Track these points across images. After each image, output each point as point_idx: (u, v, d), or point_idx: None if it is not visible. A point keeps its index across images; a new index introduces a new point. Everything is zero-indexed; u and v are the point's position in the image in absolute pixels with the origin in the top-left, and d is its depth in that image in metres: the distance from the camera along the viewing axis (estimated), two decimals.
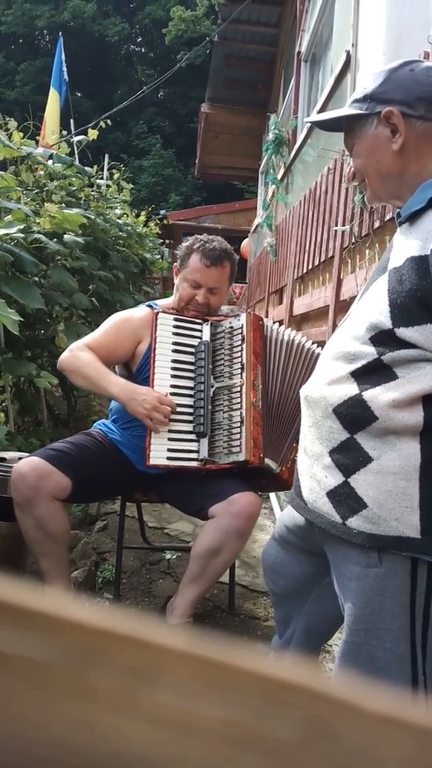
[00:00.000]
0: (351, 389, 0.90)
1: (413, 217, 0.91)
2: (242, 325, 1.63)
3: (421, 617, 0.88)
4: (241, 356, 1.60)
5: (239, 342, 1.62)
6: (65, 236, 2.88)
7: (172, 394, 1.63)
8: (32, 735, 0.15)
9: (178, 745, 0.15)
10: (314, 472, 0.96)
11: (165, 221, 8.42)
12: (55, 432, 3.11)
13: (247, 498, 1.52)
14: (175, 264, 1.81)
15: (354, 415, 0.89)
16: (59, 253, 2.91)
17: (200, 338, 1.69)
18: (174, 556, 2.27)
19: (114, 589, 1.97)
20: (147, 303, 1.89)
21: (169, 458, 1.58)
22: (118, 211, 4.82)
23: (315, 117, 1.09)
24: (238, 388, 1.58)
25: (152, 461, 1.57)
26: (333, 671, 0.98)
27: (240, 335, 1.63)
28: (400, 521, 0.86)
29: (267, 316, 4.56)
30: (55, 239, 2.76)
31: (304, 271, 3.18)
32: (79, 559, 2.18)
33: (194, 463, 1.58)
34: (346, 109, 0.99)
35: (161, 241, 7.98)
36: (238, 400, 1.57)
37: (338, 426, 0.92)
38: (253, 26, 5.83)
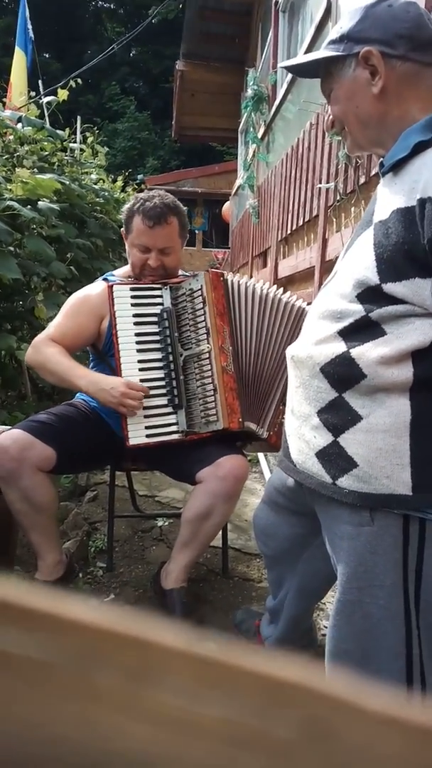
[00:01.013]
0: (338, 347, 0.88)
1: (397, 167, 0.87)
2: (201, 285, 1.54)
3: (413, 573, 0.88)
4: (204, 320, 1.53)
5: (200, 304, 1.55)
6: (39, 203, 2.78)
7: (141, 369, 1.58)
8: (33, 734, 0.15)
9: (178, 745, 0.15)
10: (302, 432, 0.95)
11: (143, 186, 8.21)
12: (40, 405, 3.08)
13: (234, 461, 1.51)
14: (122, 229, 1.70)
15: (342, 374, 0.87)
16: (34, 221, 2.81)
17: (161, 305, 1.61)
18: (166, 523, 2.27)
19: (107, 558, 1.97)
20: (104, 276, 1.80)
21: (148, 435, 1.55)
22: (93, 176, 4.67)
23: (289, 61, 1.03)
24: (207, 355, 1.52)
25: (132, 441, 1.55)
26: (327, 631, 0.98)
27: (200, 297, 1.55)
28: (391, 479, 0.85)
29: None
30: (29, 206, 2.66)
31: (288, 232, 3.12)
32: (71, 530, 2.18)
33: (175, 436, 1.56)
34: (322, 52, 0.94)
35: None
36: (209, 367, 1.52)
37: (326, 385, 0.90)
38: None
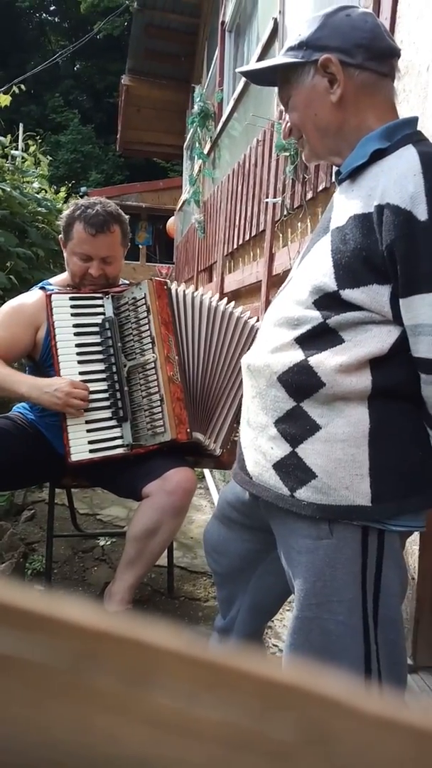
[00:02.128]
0: (296, 355, 0.86)
1: (354, 174, 0.87)
2: (145, 294, 1.50)
3: (372, 586, 0.86)
4: (149, 329, 1.49)
5: (144, 313, 1.50)
6: None
7: (83, 381, 1.51)
8: (29, 737, 0.15)
9: (175, 748, 0.15)
10: (259, 444, 0.91)
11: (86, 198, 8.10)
12: None
13: (182, 474, 1.46)
14: (59, 236, 1.64)
15: (300, 382, 0.85)
16: None
17: (103, 314, 1.56)
18: (108, 542, 2.18)
19: (45, 580, 1.86)
20: (40, 284, 1.73)
21: (92, 450, 1.49)
22: (36, 186, 4.56)
23: (247, 67, 1.01)
24: (152, 365, 1.48)
25: (74, 458, 1.48)
26: (283, 650, 0.94)
27: (144, 305, 1.50)
28: (350, 489, 0.83)
29: None
30: None
31: (235, 246, 3.13)
32: (6, 551, 2.05)
33: (120, 450, 1.50)
34: (281, 58, 0.93)
35: None
36: (154, 377, 1.48)
37: (283, 394, 0.87)
38: None
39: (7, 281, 2.97)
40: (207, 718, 0.15)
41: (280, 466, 0.88)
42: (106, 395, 1.52)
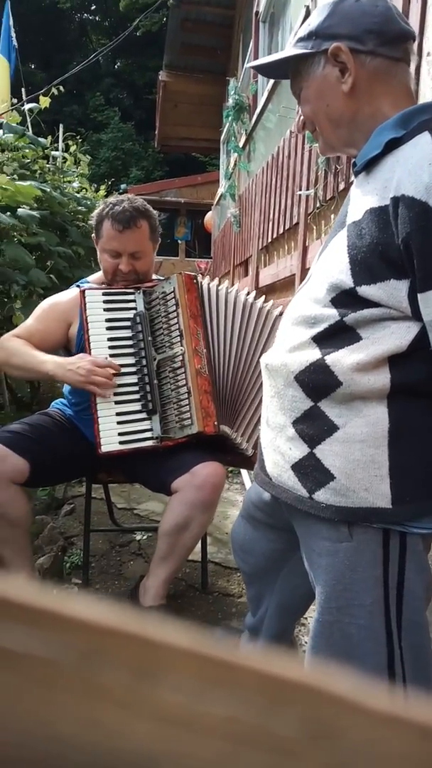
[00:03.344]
0: (313, 354, 0.84)
1: (369, 165, 0.84)
2: (174, 288, 1.52)
3: (395, 590, 0.84)
4: (178, 322, 1.51)
5: (174, 307, 1.52)
6: (19, 210, 2.73)
7: (114, 374, 1.53)
8: (37, 732, 0.15)
9: (182, 743, 0.16)
10: (278, 444, 0.91)
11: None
12: (18, 415, 3.00)
13: (210, 468, 1.46)
14: (92, 235, 1.67)
15: (317, 382, 0.83)
16: (14, 227, 2.76)
17: (135, 309, 1.59)
18: (144, 537, 2.21)
19: (83, 574, 1.91)
20: (77, 282, 1.78)
21: (121, 442, 1.51)
22: (76, 185, 4.64)
23: (257, 61, 1.00)
24: (180, 358, 1.49)
25: (104, 449, 1.50)
26: (306, 653, 0.93)
27: (173, 299, 1.52)
28: (369, 491, 0.81)
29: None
30: (8, 213, 2.62)
31: (269, 240, 3.10)
32: (46, 544, 2.11)
33: (149, 443, 1.51)
34: (290, 50, 0.91)
35: None
36: (182, 370, 1.49)
37: (301, 394, 0.86)
38: None
39: (48, 280, 3.05)
40: (213, 714, 0.16)
41: (298, 468, 0.87)
42: (136, 388, 1.54)
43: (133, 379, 1.55)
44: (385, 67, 0.85)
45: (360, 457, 0.82)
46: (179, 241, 11.56)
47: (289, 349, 0.88)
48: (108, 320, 1.57)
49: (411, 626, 0.85)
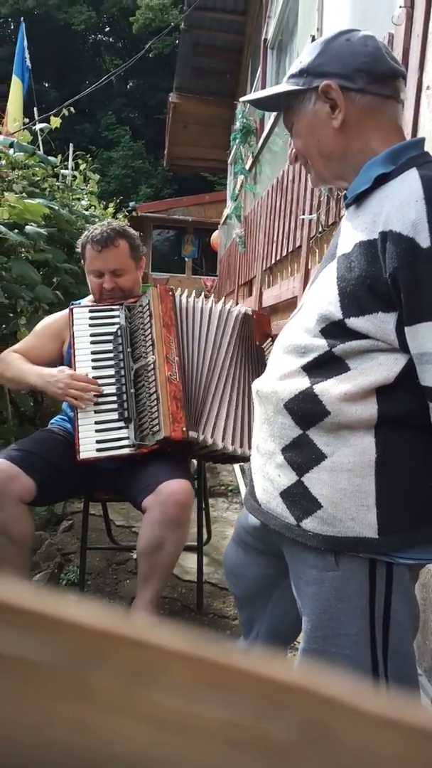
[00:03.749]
0: (302, 383, 0.85)
1: (359, 199, 0.86)
2: (149, 300, 1.61)
3: (381, 620, 0.84)
4: (151, 332, 1.58)
5: (148, 317, 1.61)
6: (27, 227, 2.78)
7: (93, 387, 1.61)
8: (30, 736, 0.15)
9: (177, 747, 0.15)
10: (267, 471, 0.91)
11: (134, 213, 8.30)
12: (21, 429, 3.02)
13: (174, 485, 1.49)
14: (81, 261, 1.79)
15: (305, 410, 0.84)
16: (21, 244, 2.80)
17: (118, 323, 1.68)
18: None
19: (78, 591, 1.90)
20: (72, 303, 1.89)
21: (99, 449, 1.56)
22: (84, 203, 4.70)
23: (251, 96, 1.03)
24: (152, 365, 1.56)
25: (82, 455, 1.55)
26: None
27: (148, 310, 1.61)
28: (356, 521, 0.82)
29: None
30: (16, 230, 2.66)
31: (273, 262, 3.14)
32: (43, 561, 2.11)
33: (126, 450, 1.56)
34: (282, 86, 0.93)
35: None
36: (153, 377, 1.55)
37: (290, 422, 0.87)
38: (220, 14, 5.73)
39: (53, 296, 3.08)
40: (209, 717, 0.15)
41: (286, 495, 0.88)
42: (114, 398, 1.61)
43: (112, 389, 1.62)
44: (374, 104, 0.87)
45: (347, 486, 0.82)
46: (186, 259, 11.67)
47: (279, 377, 0.90)
48: (92, 335, 1.67)
49: (397, 657, 0.85)
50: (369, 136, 0.88)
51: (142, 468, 1.59)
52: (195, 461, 1.96)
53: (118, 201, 6.56)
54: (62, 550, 2.24)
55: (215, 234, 8.32)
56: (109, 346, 1.66)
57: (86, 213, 4.36)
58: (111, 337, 1.66)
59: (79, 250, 1.75)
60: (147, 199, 15.31)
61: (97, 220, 4.62)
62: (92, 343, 1.66)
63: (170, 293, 1.63)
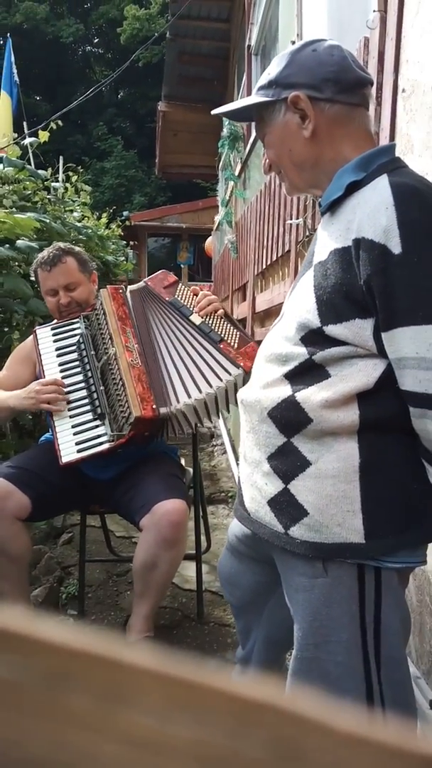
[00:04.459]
0: (284, 391, 0.86)
1: (333, 207, 0.87)
2: (101, 301, 1.69)
3: (372, 625, 0.84)
4: (107, 328, 1.64)
5: (103, 316, 1.67)
6: (18, 242, 2.79)
7: (68, 392, 1.67)
8: (4, 756, 0.15)
9: (150, 765, 0.15)
10: (254, 479, 0.92)
11: (128, 222, 8.31)
12: (20, 443, 3.02)
13: (169, 505, 1.50)
14: (38, 287, 1.87)
15: (289, 418, 0.85)
16: (13, 259, 2.81)
17: (80, 333, 1.74)
18: None
19: (78, 604, 1.90)
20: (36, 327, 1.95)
21: (79, 450, 1.58)
22: (76, 214, 4.71)
23: (222, 108, 1.04)
24: (114, 356, 1.60)
25: (64, 459, 1.57)
26: (286, 687, 0.93)
27: (102, 310, 1.68)
28: (342, 527, 0.82)
29: (232, 314, 4.50)
30: (7, 245, 2.67)
31: (264, 266, 3.14)
32: (43, 575, 2.11)
33: (106, 445, 1.57)
34: (252, 97, 0.94)
35: (125, 243, 7.87)
36: (117, 367, 1.59)
37: (274, 430, 0.87)
38: (204, 22, 5.76)
39: (46, 309, 3.09)
40: (181, 736, 0.16)
41: (274, 503, 0.88)
42: (86, 400, 1.66)
43: (83, 392, 1.67)
44: (344, 112, 0.88)
45: (332, 492, 0.82)
46: (182, 266, 11.69)
47: (262, 386, 0.90)
48: (57, 349, 1.74)
49: (389, 662, 0.85)
50: (340, 144, 0.89)
51: (137, 485, 1.60)
52: (191, 470, 1.96)
53: (111, 211, 6.58)
54: (62, 563, 2.24)
55: (209, 240, 8.34)
56: (74, 356, 1.73)
57: (79, 225, 4.38)
58: (75, 347, 1.73)
59: (33, 279, 1.84)
60: (141, 208, 15.35)
61: (90, 231, 4.64)
62: (58, 356, 1.74)
63: (120, 290, 1.71)
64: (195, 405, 1.54)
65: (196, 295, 1.66)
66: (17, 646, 0.16)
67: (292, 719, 0.16)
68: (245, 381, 1.51)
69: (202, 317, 1.60)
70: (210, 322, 1.61)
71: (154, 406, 1.52)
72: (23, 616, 0.16)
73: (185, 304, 1.64)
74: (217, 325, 1.61)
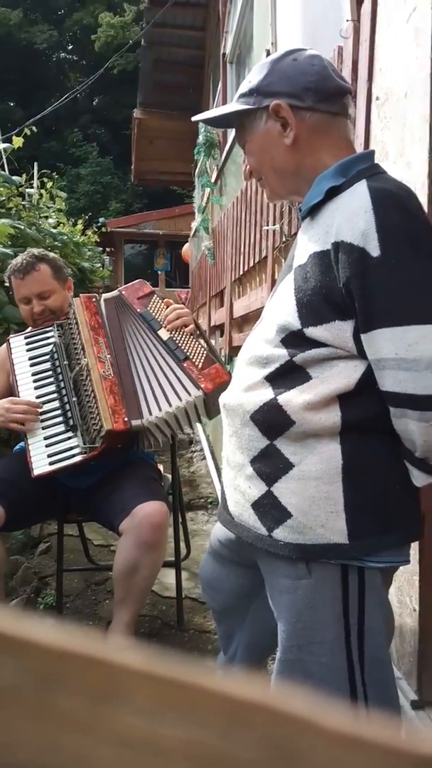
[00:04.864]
0: (266, 394, 0.86)
1: (313, 211, 0.88)
2: (74, 310, 1.67)
3: (356, 626, 0.84)
4: (80, 338, 1.62)
5: (75, 326, 1.65)
6: None
7: (41, 403, 1.65)
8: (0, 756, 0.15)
9: (143, 766, 0.15)
10: (238, 483, 0.92)
11: (104, 229, 8.28)
12: None
13: (149, 508, 1.49)
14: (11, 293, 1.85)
15: (271, 421, 0.85)
16: None
17: (53, 342, 1.72)
18: None
19: (56, 614, 1.87)
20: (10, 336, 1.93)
21: (51, 463, 1.56)
22: (51, 221, 4.68)
23: (203, 115, 1.04)
24: (86, 368, 1.59)
25: (36, 472, 1.55)
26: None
27: (75, 320, 1.66)
28: (326, 528, 0.82)
29: (210, 321, 4.51)
30: None
31: (241, 272, 3.16)
32: (20, 586, 2.07)
33: (78, 458, 1.55)
34: (234, 105, 0.95)
35: (101, 249, 7.84)
36: (89, 378, 1.58)
37: (257, 433, 0.87)
38: (179, 30, 5.80)
39: (20, 316, 3.05)
40: (173, 737, 0.15)
41: (257, 506, 0.88)
42: (59, 411, 1.64)
43: (56, 404, 1.65)
44: (324, 121, 0.89)
45: (315, 493, 0.83)
46: (159, 272, 11.68)
47: (244, 389, 0.90)
48: (31, 359, 1.71)
49: (373, 663, 0.85)
50: (321, 152, 0.90)
51: (115, 490, 1.58)
52: (170, 476, 1.95)
53: (86, 217, 6.55)
54: (39, 574, 2.21)
55: (185, 247, 8.35)
56: (47, 365, 1.71)
57: (54, 231, 4.35)
58: (48, 356, 1.71)
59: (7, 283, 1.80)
60: (117, 214, 15.32)
61: (65, 237, 4.61)
62: (32, 365, 1.71)
63: (93, 300, 1.69)
64: (165, 418, 1.53)
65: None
66: (7, 647, 0.16)
67: (285, 719, 0.16)
68: (205, 403, 1.51)
69: (170, 332, 1.57)
70: (178, 338, 1.57)
71: (125, 419, 1.50)
72: (13, 618, 0.16)
73: (156, 317, 1.61)
74: (185, 341, 1.56)
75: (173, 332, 1.57)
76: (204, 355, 1.54)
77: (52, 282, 1.74)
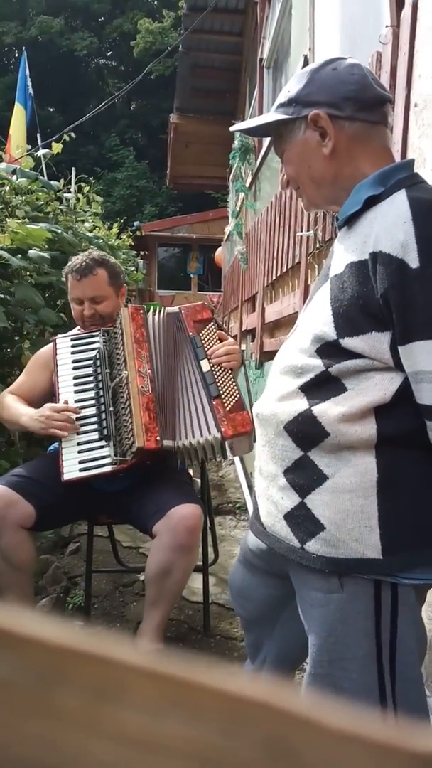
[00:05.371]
0: (301, 404, 0.85)
1: (350, 221, 0.87)
2: (120, 320, 1.68)
3: (387, 643, 0.83)
4: (123, 349, 1.63)
5: (120, 336, 1.66)
6: (30, 251, 2.82)
7: (75, 411, 1.65)
8: None
9: (142, 764, 0.15)
10: (270, 494, 0.91)
11: (139, 233, 8.38)
12: (29, 452, 3.03)
13: (184, 510, 1.49)
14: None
15: (305, 432, 0.84)
16: (24, 269, 2.84)
17: (98, 348, 1.72)
18: None
19: (84, 615, 1.89)
20: (58, 335, 1.94)
21: (81, 470, 1.58)
22: (88, 225, 4.76)
23: (241, 125, 1.05)
24: (125, 380, 1.60)
25: (66, 477, 1.57)
26: None
27: (120, 330, 1.67)
28: (359, 542, 0.81)
29: (241, 325, 4.51)
30: (19, 255, 2.70)
31: (274, 278, 3.15)
32: (50, 585, 2.11)
33: (108, 468, 1.57)
34: (272, 115, 0.94)
35: (135, 252, 7.93)
36: (127, 391, 1.58)
37: (291, 444, 0.87)
38: (217, 35, 5.83)
39: (58, 318, 3.11)
40: (173, 734, 0.15)
41: (290, 517, 0.87)
42: (95, 419, 1.65)
43: (93, 410, 1.66)
44: (363, 130, 0.88)
45: (349, 507, 0.82)
46: (191, 275, 11.74)
47: (278, 399, 0.90)
48: (74, 362, 1.73)
49: (404, 681, 0.83)
50: (359, 162, 0.89)
51: (148, 493, 1.59)
52: (198, 481, 1.96)
53: (122, 221, 6.64)
54: (69, 573, 2.24)
55: (219, 251, 8.37)
56: (89, 371, 1.72)
57: (90, 235, 4.42)
58: (91, 362, 1.72)
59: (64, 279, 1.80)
60: (152, 218, 15.45)
61: (101, 241, 4.67)
62: (74, 369, 1.72)
63: (141, 311, 1.69)
64: (195, 445, 1.53)
65: (221, 340, 1.62)
66: (8, 643, 0.16)
67: (285, 717, 0.16)
68: (222, 448, 1.51)
69: (212, 365, 1.56)
70: (217, 373, 1.56)
71: (158, 438, 1.51)
72: (15, 614, 0.16)
73: (203, 345, 1.60)
74: (222, 379, 1.56)
75: (214, 366, 1.56)
76: (236, 398, 1.53)
77: (107, 288, 1.74)
